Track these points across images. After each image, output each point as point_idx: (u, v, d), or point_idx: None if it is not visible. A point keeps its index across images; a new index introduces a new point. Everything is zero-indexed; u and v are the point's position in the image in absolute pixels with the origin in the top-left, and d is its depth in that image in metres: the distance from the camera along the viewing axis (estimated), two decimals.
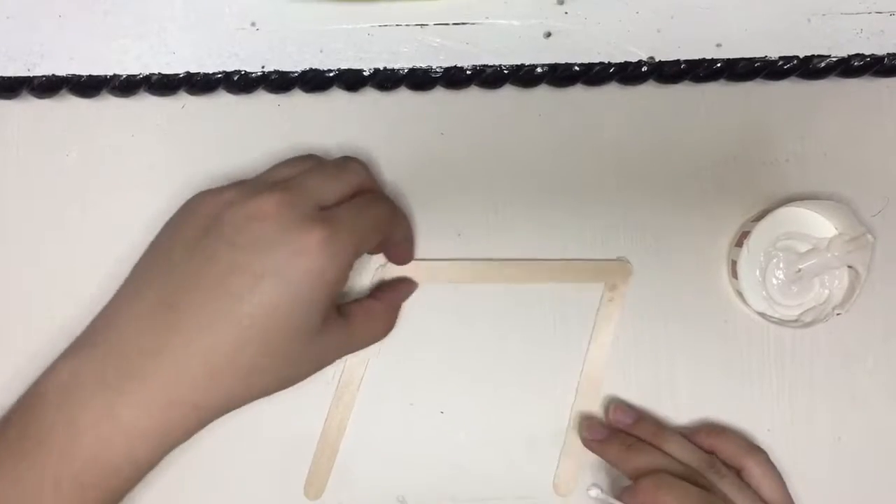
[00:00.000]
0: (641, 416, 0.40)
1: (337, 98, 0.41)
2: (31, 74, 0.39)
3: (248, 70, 0.39)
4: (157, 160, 0.41)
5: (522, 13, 0.39)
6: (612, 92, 0.41)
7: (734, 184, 0.42)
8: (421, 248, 0.41)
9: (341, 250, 0.32)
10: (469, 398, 0.41)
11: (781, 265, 0.40)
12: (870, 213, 0.41)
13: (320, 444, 0.41)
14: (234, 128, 0.41)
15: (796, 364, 0.41)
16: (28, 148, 0.41)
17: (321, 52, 0.39)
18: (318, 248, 0.31)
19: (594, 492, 0.38)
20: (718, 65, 0.40)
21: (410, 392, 0.41)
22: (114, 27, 0.39)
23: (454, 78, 0.39)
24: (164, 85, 0.39)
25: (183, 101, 0.41)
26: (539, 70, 0.39)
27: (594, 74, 0.40)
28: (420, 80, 0.39)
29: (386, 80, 0.39)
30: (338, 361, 0.40)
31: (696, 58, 0.39)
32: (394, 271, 0.41)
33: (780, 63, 0.40)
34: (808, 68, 0.40)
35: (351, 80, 0.39)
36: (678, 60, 0.39)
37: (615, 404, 0.41)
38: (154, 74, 0.39)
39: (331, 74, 0.39)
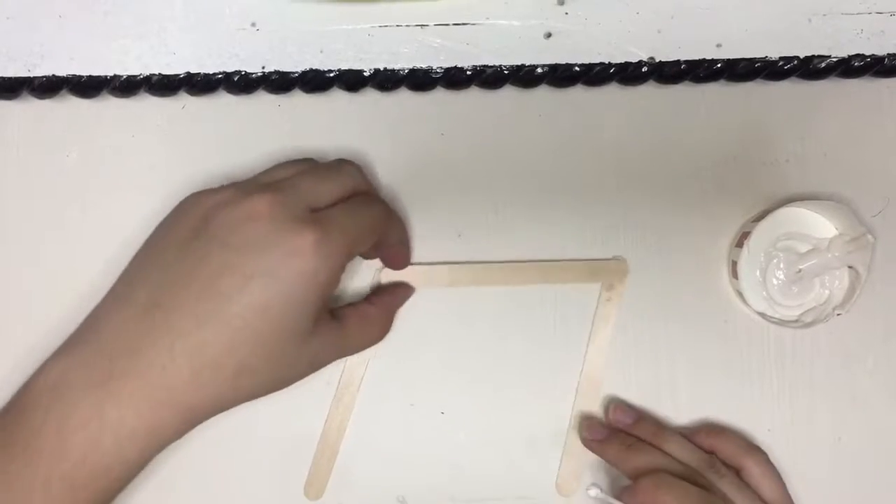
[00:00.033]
0: (641, 416, 0.40)
1: (337, 98, 0.41)
2: (32, 75, 0.39)
3: (248, 70, 0.39)
4: (157, 160, 0.41)
5: (523, 13, 0.39)
6: (612, 92, 0.41)
7: (734, 184, 0.42)
8: (421, 249, 0.41)
9: (334, 252, 0.32)
10: (469, 399, 0.41)
11: (782, 265, 0.40)
12: (870, 214, 0.41)
13: (320, 444, 0.41)
14: (235, 128, 0.41)
15: (796, 364, 0.41)
16: (28, 148, 0.41)
17: (321, 52, 0.39)
18: (311, 249, 0.31)
19: (593, 491, 0.38)
20: (719, 65, 0.40)
21: (410, 392, 0.41)
22: (114, 27, 0.39)
23: (454, 78, 0.39)
24: (164, 85, 0.39)
25: (183, 102, 0.41)
26: (539, 70, 0.39)
27: (594, 75, 0.40)
28: (420, 80, 0.39)
29: (386, 80, 0.39)
30: (338, 362, 0.40)
31: (697, 58, 0.40)
32: (391, 276, 0.41)
33: (781, 63, 0.40)
34: (809, 68, 0.40)
35: (351, 81, 0.39)
36: (678, 61, 0.40)
37: (615, 404, 0.41)
38: (154, 75, 0.39)
39: (331, 75, 0.39)
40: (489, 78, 0.40)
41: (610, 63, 0.39)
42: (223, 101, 0.40)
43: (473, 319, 0.41)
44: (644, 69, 0.40)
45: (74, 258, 0.40)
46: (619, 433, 0.39)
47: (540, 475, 0.41)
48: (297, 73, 0.39)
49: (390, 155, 0.41)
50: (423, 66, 0.39)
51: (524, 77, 0.40)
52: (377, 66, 0.39)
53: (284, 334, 0.31)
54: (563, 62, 0.39)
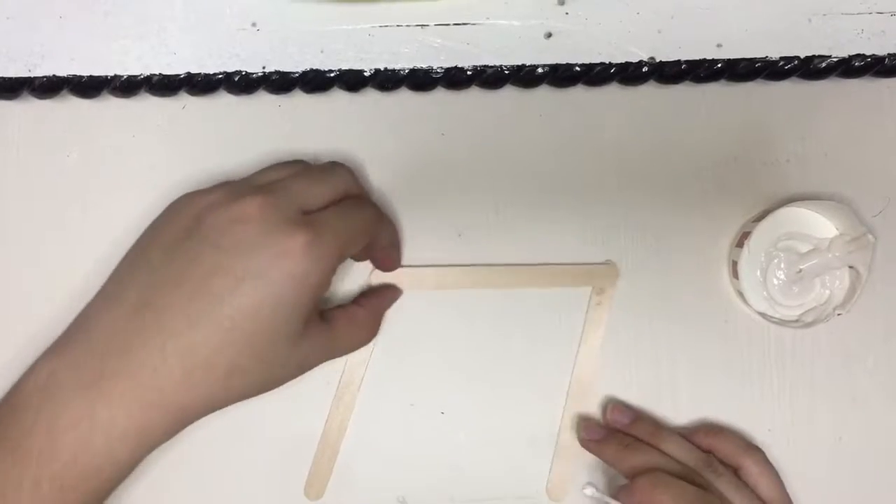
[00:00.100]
0: (639, 416, 0.40)
1: (338, 98, 0.41)
2: (32, 75, 0.39)
3: (248, 70, 0.39)
4: (157, 161, 0.41)
5: (523, 13, 0.39)
6: (612, 92, 0.41)
7: (735, 184, 0.42)
8: (421, 249, 0.41)
9: (325, 254, 0.32)
10: (469, 399, 0.41)
11: (782, 265, 0.40)
12: (871, 214, 0.41)
13: (321, 444, 0.41)
14: (235, 128, 0.41)
15: (797, 364, 0.41)
16: (29, 148, 0.41)
17: (322, 52, 0.39)
18: (302, 251, 0.31)
19: (589, 490, 0.38)
20: (719, 65, 0.40)
21: (410, 392, 0.41)
22: (114, 28, 0.39)
23: (455, 78, 0.39)
24: (164, 85, 0.39)
25: (184, 102, 0.41)
26: (540, 70, 0.39)
27: (595, 75, 0.40)
28: (421, 80, 0.39)
29: (387, 80, 0.39)
30: (339, 361, 0.40)
31: (697, 58, 0.39)
32: (381, 278, 0.41)
33: (781, 63, 0.40)
34: (809, 68, 0.40)
35: (352, 81, 0.39)
36: (679, 61, 0.40)
37: (613, 404, 0.41)
38: (155, 75, 0.39)
39: (331, 75, 0.39)
40: (489, 78, 0.40)
41: (610, 63, 0.39)
42: (223, 101, 0.40)
43: (473, 320, 0.41)
44: (644, 69, 0.40)
45: (75, 258, 0.40)
46: (616, 433, 0.39)
47: (540, 475, 0.41)
48: (297, 73, 0.39)
49: (391, 155, 0.41)
50: (424, 66, 0.39)
51: (525, 77, 0.40)
52: (378, 66, 0.39)
53: (275, 335, 0.31)
54: (564, 62, 0.39)
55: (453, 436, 0.41)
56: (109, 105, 0.40)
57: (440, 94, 0.41)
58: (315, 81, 0.39)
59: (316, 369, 0.35)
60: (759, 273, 0.40)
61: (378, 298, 0.40)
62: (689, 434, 0.39)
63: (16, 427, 0.30)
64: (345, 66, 0.39)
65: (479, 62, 0.39)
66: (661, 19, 0.39)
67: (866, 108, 0.42)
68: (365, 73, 0.39)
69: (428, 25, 0.39)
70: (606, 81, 0.40)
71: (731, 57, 0.39)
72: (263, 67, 0.39)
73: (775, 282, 0.40)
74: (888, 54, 0.40)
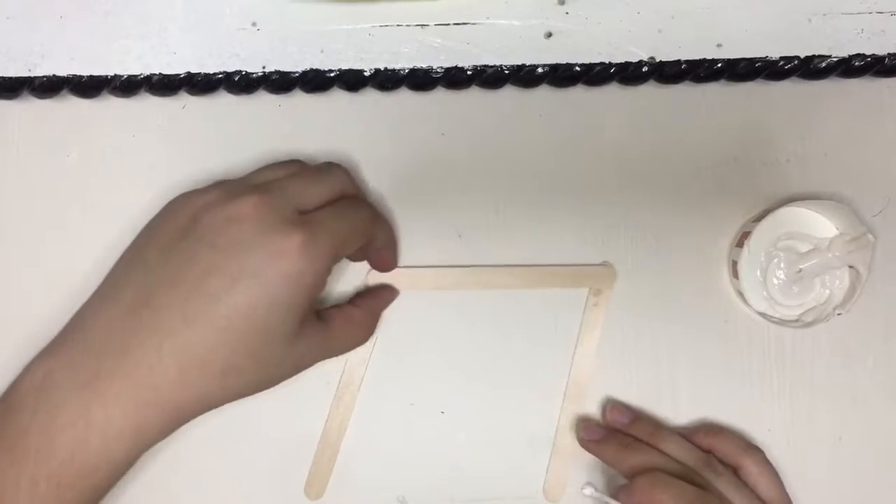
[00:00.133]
0: (638, 416, 0.40)
1: (338, 98, 0.41)
2: (32, 75, 0.39)
3: (248, 70, 0.39)
4: (157, 160, 0.41)
5: (523, 13, 0.39)
6: (612, 92, 0.41)
7: (735, 184, 0.42)
8: (421, 249, 0.41)
9: (320, 254, 0.32)
10: (469, 398, 0.41)
11: (782, 265, 0.40)
12: (871, 213, 0.41)
13: (321, 444, 0.41)
14: (235, 128, 0.41)
15: (797, 364, 0.41)
16: (29, 148, 0.41)
17: (322, 52, 0.39)
18: (297, 251, 0.31)
19: (588, 490, 0.38)
20: (719, 65, 0.40)
21: (410, 392, 0.41)
22: (114, 27, 0.39)
23: (455, 78, 0.39)
24: (164, 85, 0.39)
25: (184, 102, 0.41)
26: (540, 70, 0.39)
27: (595, 75, 0.40)
28: (421, 80, 0.39)
29: (387, 80, 0.39)
30: (339, 361, 0.40)
31: (697, 58, 0.40)
32: (378, 279, 0.41)
33: (781, 63, 0.40)
34: (809, 68, 0.40)
35: (352, 81, 0.39)
36: (679, 61, 0.40)
37: (612, 404, 0.41)
38: (155, 75, 0.39)
39: (331, 75, 0.39)
40: (489, 78, 0.40)
41: (610, 63, 0.39)
42: (224, 100, 0.40)
43: (471, 320, 0.41)
44: (644, 69, 0.40)
45: (74, 258, 0.40)
46: (616, 433, 0.39)
47: (540, 475, 0.41)
48: (297, 72, 0.39)
49: (391, 155, 0.41)
50: (424, 65, 0.39)
51: (525, 77, 0.40)
52: (378, 66, 0.39)
53: (270, 335, 0.32)
54: (564, 62, 0.39)
55: (453, 436, 0.41)
56: (109, 105, 0.40)
57: (440, 94, 0.41)
58: (315, 81, 0.39)
59: (316, 369, 0.35)
60: (759, 273, 0.40)
61: (374, 299, 0.40)
62: (689, 434, 0.39)
63: (13, 426, 0.30)
64: (345, 66, 0.39)
65: (479, 62, 0.39)
66: (662, 19, 0.39)
67: (866, 108, 0.42)
68: (365, 73, 0.39)
69: (428, 25, 0.39)
70: (606, 81, 0.40)
71: (731, 57, 0.40)
72: (263, 67, 0.39)
73: (775, 281, 0.40)
74: (888, 54, 0.40)
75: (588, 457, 0.40)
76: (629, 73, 0.40)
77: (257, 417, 0.40)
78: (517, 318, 0.41)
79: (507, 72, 0.39)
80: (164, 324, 0.30)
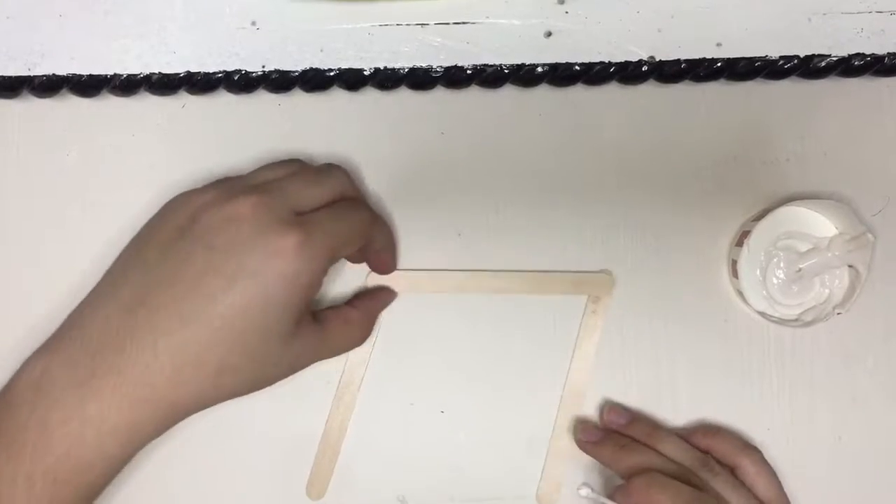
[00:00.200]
0: (636, 417, 0.40)
1: (337, 97, 0.41)
2: (32, 74, 0.39)
3: (248, 69, 0.39)
4: (157, 160, 0.41)
5: (523, 13, 0.39)
6: (612, 91, 0.41)
7: (734, 183, 0.42)
8: (420, 248, 0.41)
9: (316, 255, 0.32)
10: (469, 398, 0.41)
11: (782, 264, 0.40)
12: (870, 213, 0.41)
13: (322, 444, 0.41)
14: (235, 127, 0.41)
15: (796, 363, 0.41)
16: (28, 147, 0.41)
17: (322, 51, 0.39)
18: (294, 251, 0.31)
19: (584, 491, 0.38)
20: (719, 64, 0.40)
21: (410, 392, 0.41)
22: (114, 27, 0.39)
23: (455, 77, 0.39)
24: (164, 84, 0.39)
25: (183, 101, 0.41)
26: (539, 69, 0.39)
27: (595, 74, 0.40)
28: (420, 79, 0.39)
29: (386, 79, 0.39)
30: (339, 360, 0.40)
31: (697, 57, 0.39)
32: (377, 281, 0.41)
33: (781, 62, 0.40)
34: (809, 68, 0.40)
35: (351, 80, 0.39)
36: (678, 60, 0.40)
37: (610, 405, 0.41)
38: (154, 74, 0.39)
39: (331, 74, 0.39)
40: (489, 77, 0.40)
41: (610, 62, 0.39)
42: (223, 100, 0.40)
43: (471, 322, 0.41)
44: (644, 68, 0.40)
45: (74, 258, 0.40)
46: (613, 434, 0.39)
47: (539, 476, 0.41)
48: (297, 72, 0.39)
49: (390, 154, 0.41)
50: (424, 65, 0.39)
51: (524, 76, 0.40)
52: (377, 66, 0.39)
53: (266, 334, 0.32)
54: (564, 61, 0.39)
55: (453, 435, 0.41)
56: (109, 104, 0.40)
57: (440, 94, 0.41)
58: (315, 80, 0.39)
59: (316, 369, 0.36)
60: (758, 272, 0.40)
61: (372, 300, 0.40)
62: (687, 434, 0.39)
63: (10, 423, 0.30)
64: (344, 65, 0.39)
65: (479, 61, 0.39)
66: (661, 18, 0.39)
67: (866, 108, 0.42)
68: (365, 72, 0.39)
69: (428, 24, 0.39)
70: (606, 81, 0.40)
71: (731, 56, 0.39)
72: (263, 66, 0.39)
73: (775, 281, 0.40)
74: (888, 53, 0.40)
75: (585, 459, 0.40)
76: (629, 73, 0.40)
77: (258, 417, 0.40)
78: (516, 322, 0.41)
79: (506, 71, 0.39)
80: (160, 323, 0.31)
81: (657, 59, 0.39)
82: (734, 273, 0.40)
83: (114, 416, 0.30)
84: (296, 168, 0.36)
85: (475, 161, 0.41)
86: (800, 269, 0.40)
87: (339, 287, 0.41)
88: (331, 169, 0.36)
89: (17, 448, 0.30)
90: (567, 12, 0.39)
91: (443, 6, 0.39)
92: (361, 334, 0.38)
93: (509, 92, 0.41)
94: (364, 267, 0.40)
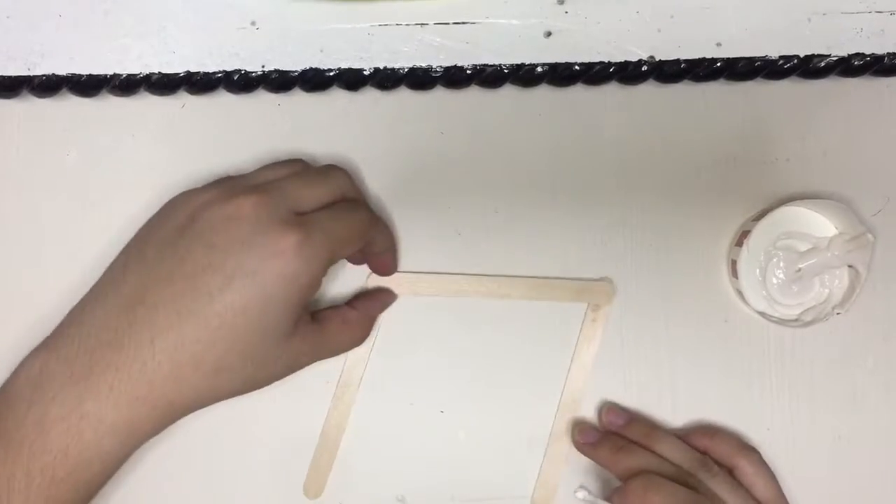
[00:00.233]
0: (634, 418, 0.40)
1: (337, 97, 0.41)
2: (32, 74, 0.39)
3: (248, 69, 0.39)
4: (157, 159, 0.41)
5: (522, 12, 0.39)
6: (612, 91, 0.41)
7: (734, 183, 0.42)
8: (420, 248, 0.41)
9: (315, 255, 0.32)
10: (469, 398, 0.41)
11: (781, 264, 0.40)
12: (870, 213, 0.41)
13: (320, 443, 0.41)
14: (235, 127, 0.41)
15: (796, 363, 0.41)
16: (28, 147, 0.41)
17: (321, 51, 0.39)
18: (293, 251, 0.31)
19: (581, 494, 0.38)
20: (718, 64, 0.40)
21: (410, 391, 0.41)
22: (114, 27, 0.39)
23: (454, 77, 0.39)
24: (164, 84, 0.39)
25: (183, 101, 0.41)
26: (539, 69, 0.39)
27: (594, 74, 0.40)
28: (420, 79, 0.39)
29: (386, 79, 0.39)
30: (338, 360, 0.40)
31: (697, 57, 0.39)
32: (378, 282, 0.41)
33: (781, 62, 0.40)
34: (809, 68, 0.40)
35: (351, 80, 0.39)
36: (678, 60, 0.40)
37: (608, 406, 0.41)
38: (154, 74, 0.39)
39: (331, 74, 0.39)
40: (489, 77, 0.40)
41: (610, 62, 0.39)
42: (223, 100, 0.40)
43: (471, 323, 0.41)
44: (644, 68, 0.40)
45: (74, 257, 0.40)
46: (610, 435, 0.39)
47: (537, 476, 0.41)
48: (297, 71, 0.39)
49: (390, 153, 0.41)
50: (423, 64, 0.39)
51: (524, 76, 0.40)
52: (377, 65, 0.39)
53: (264, 334, 0.32)
54: (563, 61, 0.39)
55: (453, 435, 0.41)
56: (109, 104, 0.40)
57: (439, 93, 0.41)
58: (314, 80, 0.39)
59: (315, 368, 0.36)
60: (758, 272, 0.40)
61: (371, 301, 0.40)
62: (685, 435, 0.39)
63: (9, 419, 0.31)
64: (344, 65, 0.39)
65: (479, 61, 0.39)
66: (661, 18, 0.39)
67: (866, 108, 0.42)
68: (364, 72, 0.39)
69: (427, 24, 0.39)
70: (606, 80, 0.40)
71: (731, 56, 0.39)
72: (263, 66, 0.39)
73: (774, 281, 0.40)
74: (887, 53, 0.40)
75: (583, 461, 0.40)
76: (628, 73, 0.40)
77: (256, 416, 0.40)
78: (516, 325, 0.41)
79: (506, 71, 0.39)
80: (159, 321, 0.31)
81: (657, 59, 0.39)
82: (734, 273, 0.40)
83: (111, 413, 0.30)
84: (297, 168, 0.36)
85: (475, 161, 0.41)
86: (799, 269, 0.40)
87: (339, 287, 0.41)
88: (332, 170, 0.36)
89: (16, 445, 0.30)
90: (567, 12, 0.39)
91: (442, 6, 0.39)
92: (360, 335, 0.39)
93: (509, 92, 0.41)
94: (365, 268, 0.40)
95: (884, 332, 0.42)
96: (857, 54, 0.40)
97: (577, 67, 0.39)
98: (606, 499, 0.37)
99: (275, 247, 0.31)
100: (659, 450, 0.38)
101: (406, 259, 0.41)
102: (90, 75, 0.39)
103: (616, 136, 0.41)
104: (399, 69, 0.39)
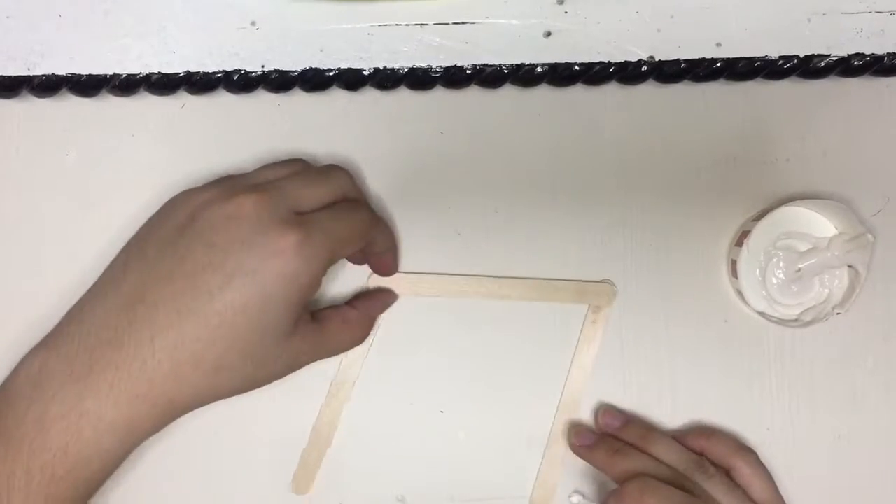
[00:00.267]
0: (630, 420, 0.40)
1: (337, 97, 0.41)
2: (32, 74, 0.39)
3: (248, 69, 0.39)
4: (157, 160, 0.41)
5: (522, 13, 0.39)
6: (612, 91, 0.41)
7: (734, 183, 0.42)
8: (420, 248, 0.41)
9: (315, 254, 0.32)
10: (468, 398, 0.41)
11: (781, 264, 0.40)
12: (870, 213, 0.41)
13: (310, 440, 0.40)
14: (235, 127, 0.41)
15: (796, 363, 0.41)
16: (28, 147, 0.41)
17: (321, 51, 0.39)
18: (293, 250, 0.31)
19: (576, 498, 0.38)
20: (718, 64, 0.40)
21: (410, 391, 0.41)
22: (114, 27, 0.39)
23: (454, 77, 0.39)
24: (164, 84, 0.39)
25: (183, 101, 0.41)
26: (539, 69, 0.39)
27: (594, 74, 0.40)
28: (420, 79, 0.39)
29: (386, 79, 0.39)
30: (336, 360, 0.40)
31: (696, 57, 0.40)
32: (379, 282, 0.41)
33: (780, 62, 0.40)
34: (808, 68, 0.40)
35: (351, 80, 0.39)
36: (678, 60, 0.40)
37: (604, 408, 0.41)
38: (154, 74, 0.39)
39: (331, 74, 0.39)
40: (489, 77, 0.40)
41: (609, 62, 0.39)
42: (223, 99, 0.40)
43: (471, 324, 0.41)
44: (644, 68, 0.40)
45: (74, 257, 0.40)
46: (606, 438, 0.39)
47: (537, 475, 0.41)
48: (296, 72, 0.39)
49: (390, 154, 0.41)
50: (423, 65, 0.39)
51: (524, 76, 0.40)
52: (377, 65, 0.39)
53: (263, 333, 0.32)
54: (563, 61, 0.39)
55: (453, 435, 0.41)
56: (109, 104, 0.40)
57: (439, 93, 0.41)
58: (314, 80, 0.39)
59: (313, 367, 0.36)
60: (758, 272, 0.40)
61: (371, 301, 0.40)
62: (682, 436, 0.39)
63: (9, 417, 0.31)
64: (344, 65, 0.39)
65: (479, 61, 0.39)
66: (661, 18, 0.39)
67: (865, 108, 0.42)
68: (364, 72, 0.39)
69: (427, 24, 0.39)
70: (606, 81, 0.40)
71: (731, 56, 0.39)
72: (263, 66, 0.39)
73: (774, 281, 0.40)
74: (887, 53, 0.40)
75: (581, 462, 0.40)
76: (628, 73, 0.40)
77: (253, 414, 0.40)
78: (516, 326, 0.41)
79: (506, 71, 0.39)
80: (158, 319, 0.31)
81: (657, 59, 0.39)
82: (734, 273, 0.40)
83: (111, 411, 0.30)
84: (297, 168, 0.36)
85: (474, 160, 0.41)
86: (799, 270, 0.40)
87: (339, 287, 0.41)
88: (332, 169, 0.36)
89: (15, 443, 0.30)
90: (566, 12, 0.39)
91: (442, 6, 0.39)
92: (360, 334, 0.39)
93: (509, 92, 0.41)
94: (366, 268, 0.40)
95: (884, 332, 0.42)
96: (857, 54, 0.40)
97: (576, 67, 0.39)
98: (602, 502, 0.37)
99: (275, 246, 0.31)
100: (655, 452, 0.38)
101: (406, 259, 0.41)
102: (90, 75, 0.39)
103: (616, 136, 0.41)
104: (399, 69, 0.39)
